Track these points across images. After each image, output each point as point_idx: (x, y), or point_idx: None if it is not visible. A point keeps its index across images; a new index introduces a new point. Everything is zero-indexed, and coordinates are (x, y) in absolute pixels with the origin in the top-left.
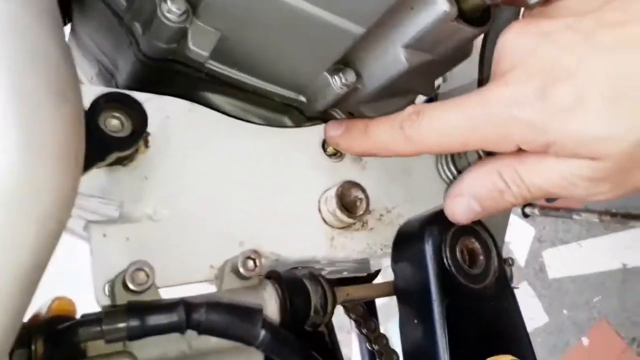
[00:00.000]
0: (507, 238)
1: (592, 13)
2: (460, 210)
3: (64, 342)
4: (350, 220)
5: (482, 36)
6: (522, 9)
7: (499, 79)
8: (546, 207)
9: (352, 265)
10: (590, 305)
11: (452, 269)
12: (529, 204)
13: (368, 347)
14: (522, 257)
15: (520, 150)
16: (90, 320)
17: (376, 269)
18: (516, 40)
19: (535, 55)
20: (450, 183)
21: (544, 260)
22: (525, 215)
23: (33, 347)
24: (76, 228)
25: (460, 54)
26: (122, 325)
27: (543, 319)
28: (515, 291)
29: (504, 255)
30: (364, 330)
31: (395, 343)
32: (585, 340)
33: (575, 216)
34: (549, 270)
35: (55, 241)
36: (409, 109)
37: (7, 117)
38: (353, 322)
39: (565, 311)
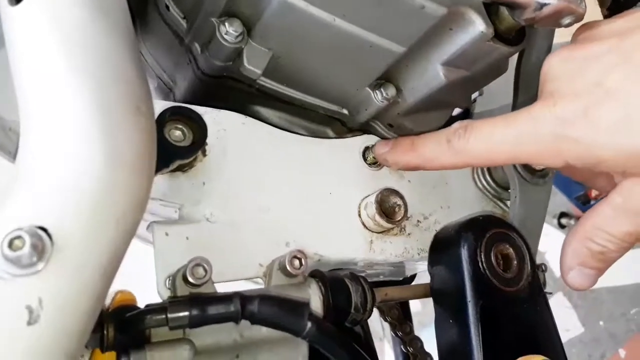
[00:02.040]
0: (543, 248)
1: (630, 33)
2: (579, 282)
3: (132, 328)
4: (389, 225)
5: (517, 54)
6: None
7: (547, 99)
8: None
9: (389, 269)
10: (627, 317)
11: (487, 272)
12: (565, 215)
13: (402, 349)
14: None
15: (569, 166)
16: (156, 308)
17: (411, 273)
18: (563, 63)
19: (581, 77)
20: (485, 192)
21: None
22: (562, 226)
23: (105, 332)
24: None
25: (496, 70)
26: (184, 313)
27: (579, 329)
28: (551, 301)
29: (538, 262)
30: (399, 333)
31: (428, 348)
32: (622, 353)
33: None
34: None
35: (131, 237)
36: (456, 124)
37: (93, 130)
38: (388, 325)
39: (601, 322)
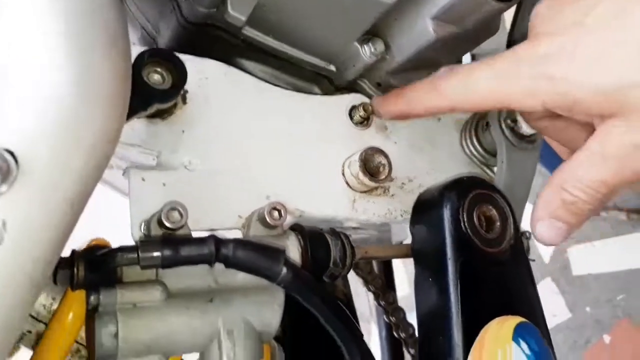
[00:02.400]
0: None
1: None
2: (548, 234)
3: (102, 266)
4: (372, 184)
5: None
6: None
7: (531, 40)
8: None
9: (374, 233)
10: (613, 303)
11: (469, 231)
12: None
13: (385, 319)
14: (547, 254)
15: (549, 113)
16: (127, 247)
17: (398, 241)
18: (549, 7)
19: (564, 16)
20: (473, 158)
21: (568, 257)
22: None
23: (75, 270)
24: (110, 179)
25: (488, 29)
26: (157, 253)
27: (566, 315)
28: (539, 287)
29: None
30: (382, 303)
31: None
32: (607, 338)
33: (603, 213)
34: (574, 267)
35: (100, 172)
36: (443, 67)
37: (62, 54)
38: (371, 295)
39: (588, 309)
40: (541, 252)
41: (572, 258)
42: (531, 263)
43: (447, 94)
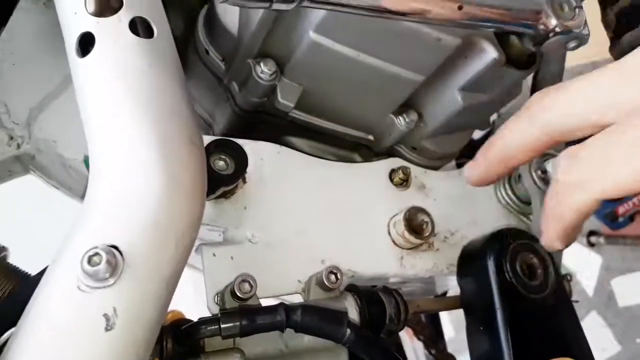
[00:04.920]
0: (573, 267)
1: None
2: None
3: (188, 339)
4: (418, 241)
5: (531, 76)
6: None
7: None
8: (612, 235)
9: (420, 285)
10: None
11: (513, 280)
12: (594, 233)
13: None
14: (591, 287)
15: None
16: (210, 319)
17: (442, 290)
18: None
19: None
20: (509, 208)
21: (612, 289)
22: (591, 245)
23: (164, 343)
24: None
25: (511, 93)
26: (236, 323)
27: (615, 348)
28: (586, 321)
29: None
30: (433, 351)
31: None
32: None
33: None
34: (619, 298)
35: (188, 255)
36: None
37: (155, 160)
38: (422, 344)
39: (638, 340)
40: (584, 286)
41: (616, 289)
42: (575, 303)
43: (541, 119)
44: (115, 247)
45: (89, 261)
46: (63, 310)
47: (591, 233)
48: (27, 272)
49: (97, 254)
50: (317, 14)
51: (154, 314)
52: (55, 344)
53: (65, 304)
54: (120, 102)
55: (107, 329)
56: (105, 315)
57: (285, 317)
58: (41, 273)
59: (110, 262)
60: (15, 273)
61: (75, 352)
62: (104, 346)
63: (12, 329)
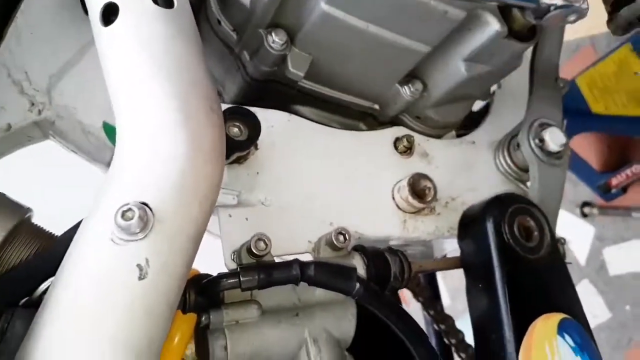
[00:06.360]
0: (567, 237)
1: None
2: None
3: (209, 291)
4: (421, 205)
5: (531, 48)
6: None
7: None
8: (605, 206)
9: (420, 249)
10: None
11: (511, 241)
12: (587, 204)
13: (435, 327)
14: (583, 256)
15: None
16: (230, 273)
17: (441, 255)
18: None
19: None
20: (507, 175)
21: (604, 258)
22: (584, 215)
23: (187, 296)
24: None
25: (511, 64)
26: (254, 277)
27: (606, 315)
28: (578, 289)
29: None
30: (431, 312)
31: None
32: None
33: (634, 214)
34: (610, 267)
35: (209, 215)
36: None
37: (179, 125)
38: (421, 305)
39: (628, 307)
40: (577, 255)
41: (607, 259)
42: (568, 266)
43: None
44: (146, 204)
45: (122, 216)
46: (99, 261)
47: (585, 204)
48: (52, 232)
49: (129, 209)
50: None
51: (181, 266)
52: (92, 292)
53: (101, 256)
54: (144, 69)
55: (140, 278)
56: (138, 265)
57: (299, 272)
58: (73, 230)
59: (142, 217)
60: (41, 233)
61: (112, 299)
62: (138, 293)
63: (50, 279)
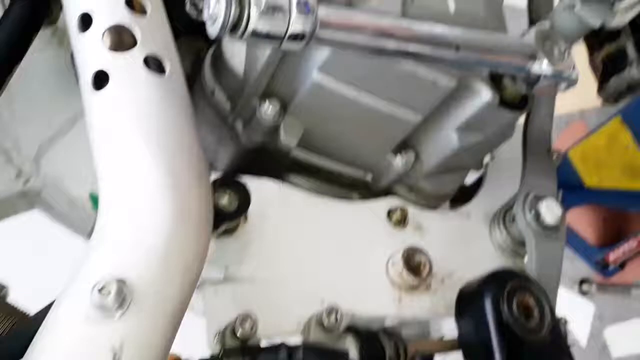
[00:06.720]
0: (566, 315)
1: None
2: None
3: None
4: (416, 281)
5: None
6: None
7: None
8: (603, 283)
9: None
10: None
11: (510, 321)
12: (585, 281)
13: None
14: (584, 337)
15: None
16: (212, 357)
17: (437, 336)
18: None
19: None
20: (503, 249)
21: (605, 340)
22: (583, 293)
23: None
24: None
25: (503, 134)
26: None
27: None
28: None
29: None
30: None
31: None
32: None
33: (634, 291)
34: (612, 349)
35: (193, 288)
36: None
37: (166, 195)
38: None
39: None
40: (578, 337)
41: (609, 340)
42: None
43: None
44: (122, 281)
45: (99, 291)
46: (70, 342)
47: (583, 281)
48: (25, 311)
49: (105, 285)
50: (322, 54)
51: (160, 347)
52: None
53: (72, 336)
54: (131, 136)
55: None
56: (112, 348)
57: (287, 357)
58: (46, 309)
59: (119, 294)
60: (15, 311)
61: None
62: None
63: None
